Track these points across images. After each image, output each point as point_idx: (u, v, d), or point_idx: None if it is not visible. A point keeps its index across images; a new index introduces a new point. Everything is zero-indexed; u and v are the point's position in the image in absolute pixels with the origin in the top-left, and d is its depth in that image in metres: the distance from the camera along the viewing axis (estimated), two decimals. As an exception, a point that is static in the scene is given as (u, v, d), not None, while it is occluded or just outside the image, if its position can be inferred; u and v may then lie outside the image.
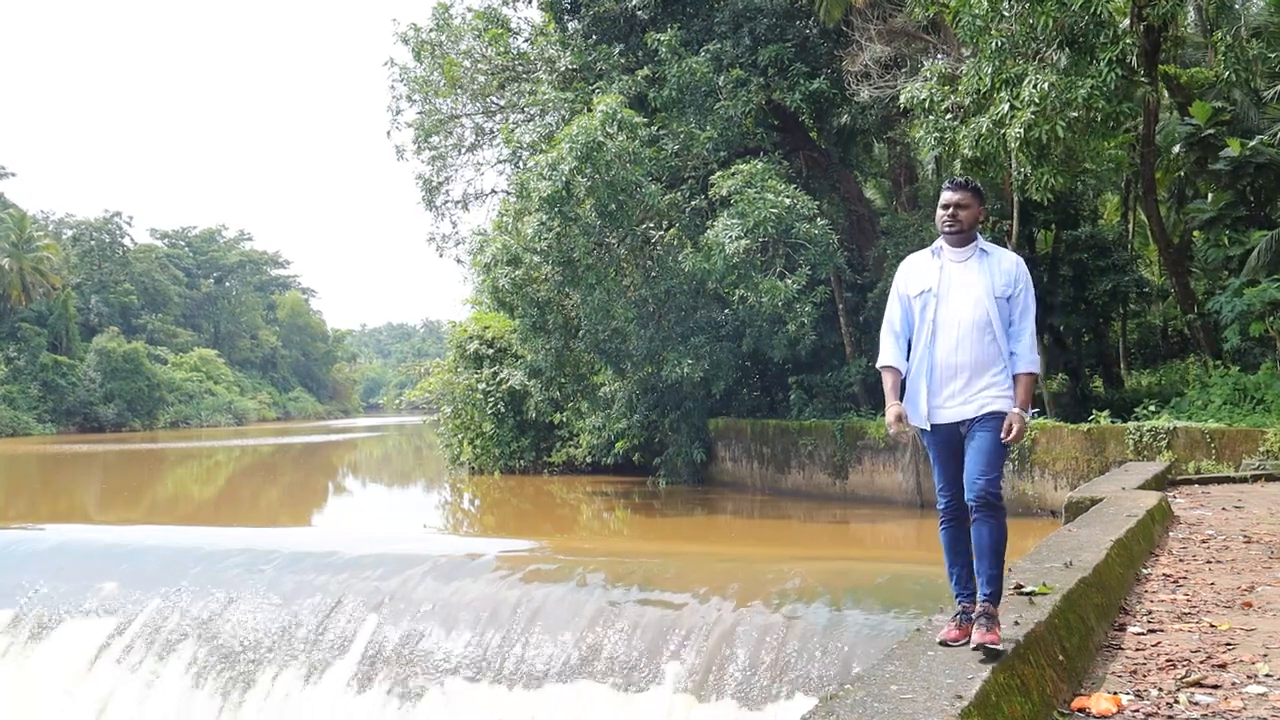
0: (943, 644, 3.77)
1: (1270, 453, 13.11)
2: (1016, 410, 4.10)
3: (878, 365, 4.32)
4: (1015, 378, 4.16)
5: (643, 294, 20.03)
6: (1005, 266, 4.18)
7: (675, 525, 17.61)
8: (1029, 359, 4.18)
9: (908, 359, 4.26)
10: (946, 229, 4.18)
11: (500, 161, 26.06)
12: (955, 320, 4.13)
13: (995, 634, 3.68)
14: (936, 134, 15.45)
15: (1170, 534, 6.29)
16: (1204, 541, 5.99)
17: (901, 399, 4.23)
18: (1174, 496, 8.09)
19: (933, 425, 4.16)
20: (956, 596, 4.06)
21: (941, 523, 4.19)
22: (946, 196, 4.20)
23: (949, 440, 4.15)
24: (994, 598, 3.87)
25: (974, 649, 3.64)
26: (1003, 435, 4.05)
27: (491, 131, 25.72)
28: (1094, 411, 16.23)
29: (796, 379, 21.01)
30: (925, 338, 4.16)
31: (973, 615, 3.86)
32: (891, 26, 18.96)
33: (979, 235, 4.27)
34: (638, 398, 21.81)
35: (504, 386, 24.75)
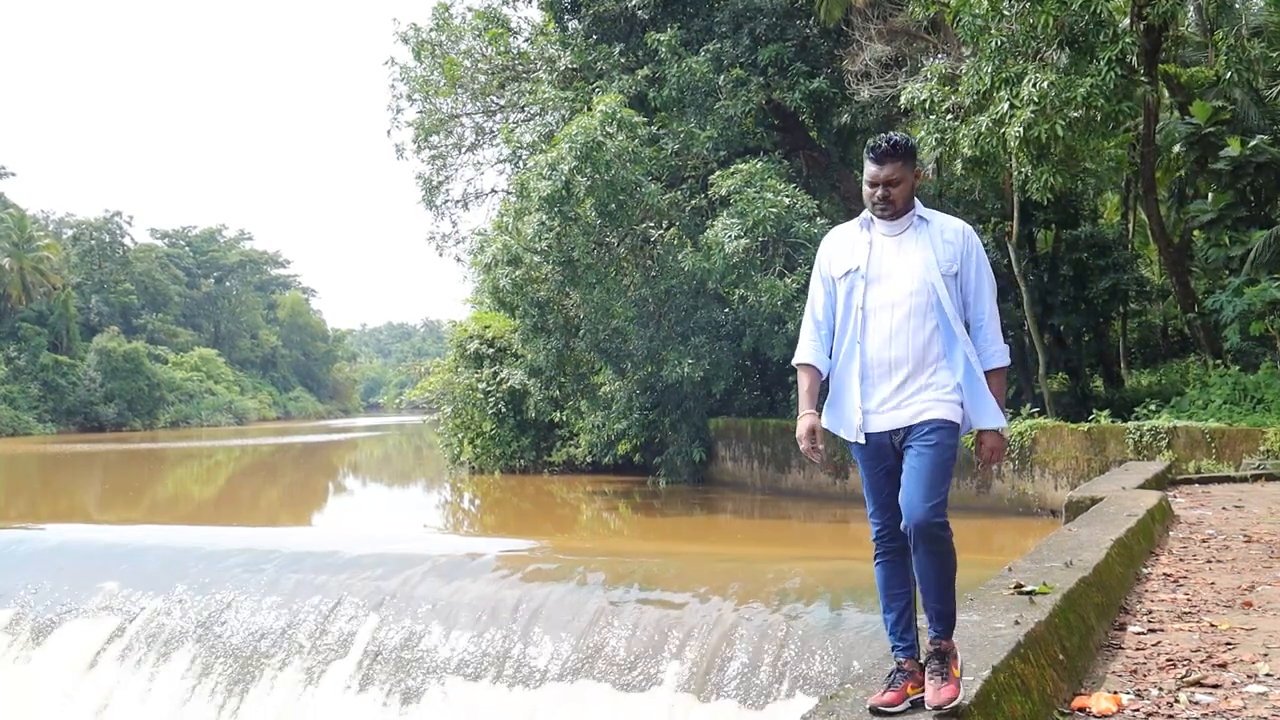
0: (874, 711, 3.16)
1: (1270, 452, 13.11)
2: (996, 429, 3.51)
3: (793, 362, 3.66)
4: (985, 375, 3.53)
5: (643, 294, 20.04)
6: (948, 236, 3.49)
7: (675, 525, 17.61)
8: (995, 350, 3.55)
9: (831, 355, 3.59)
10: (880, 211, 3.47)
11: (500, 161, 26.08)
12: (889, 305, 3.43)
13: (953, 686, 3.14)
14: (937, 134, 15.45)
15: (1170, 533, 6.29)
16: (1204, 541, 5.99)
17: (822, 406, 3.56)
18: (1174, 496, 8.09)
19: (867, 435, 3.45)
20: (894, 649, 3.42)
21: (876, 555, 3.47)
22: (872, 171, 3.46)
23: (881, 454, 3.45)
24: (946, 632, 3.31)
25: (931, 711, 3.10)
26: (981, 456, 3.49)
27: (491, 131, 25.73)
28: (1094, 411, 16.23)
29: (796, 378, 20.99)
30: (853, 328, 3.46)
31: (914, 667, 3.32)
32: (891, 26, 18.96)
33: (917, 201, 3.58)
34: (638, 397, 21.81)
35: (504, 386, 24.75)
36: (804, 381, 3.63)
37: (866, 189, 3.49)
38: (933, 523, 3.29)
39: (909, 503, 3.33)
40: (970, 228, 3.58)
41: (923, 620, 3.38)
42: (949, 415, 3.42)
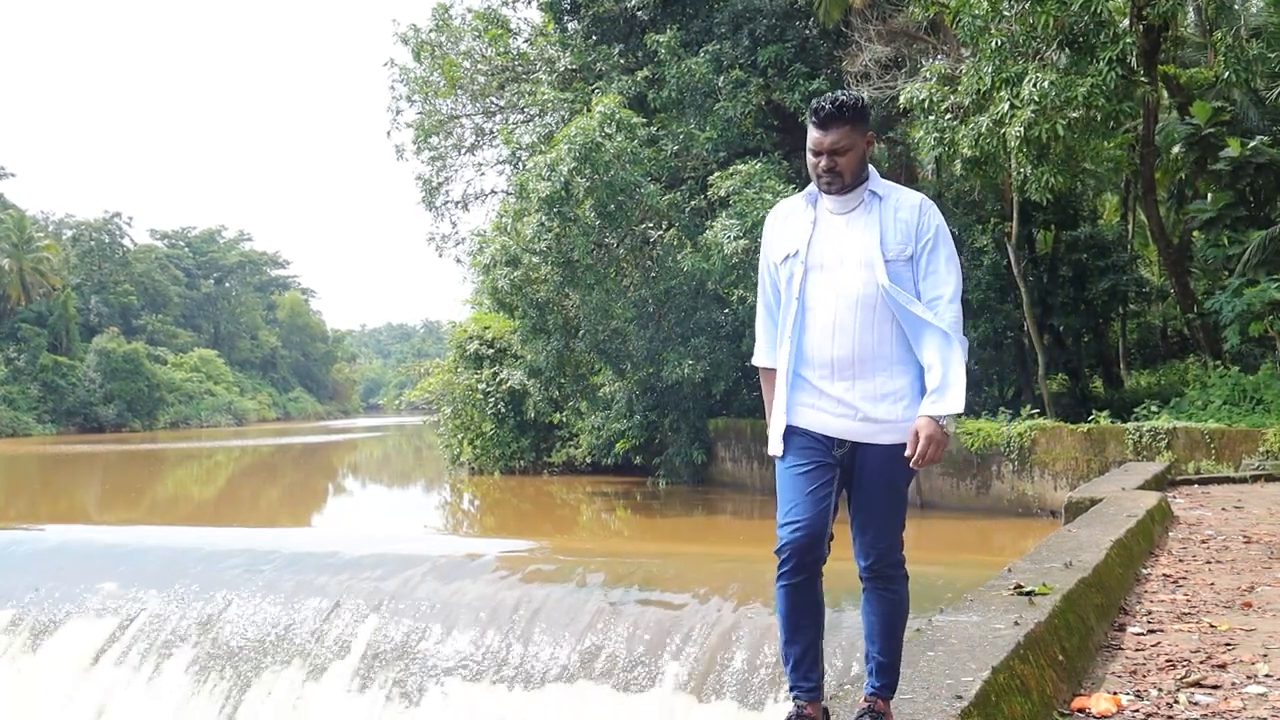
0: None
1: (1270, 453, 13.11)
2: (928, 416, 2.84)
3: (753, 363, 3.23)
4: (937, 362, 2.96)
5: (642, 294, 20.04)
6: (903, 215, 2.97)
7: (675, 525, 17.61)
8: (960, 333, 3.00)
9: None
10: (826, 186, 2.97)
11: (500, 162, 26.10)
12: (833, 296, 2.92)
13: None
14: (936, 134, 15.46)
15: (1170, 534, 6.29)
16: (1204, 542, 5.99)
17: None
18: (1174, 497, 8.09)
19: (790, 427, 2.96)
20: (793, 691, 2.94)
21: (781, 577, 2.90)
22: (815, 137, 2.95)
23: (814, 449, 2.94)
24: (887, 690, 2.91)
25: None
26: (910, 454, 2.86)
27: (491, 132, 25.74)
28: (1094, 411, 16.23)
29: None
30: (792, 323, 2.97)
31: (818, 713, 2.91)
32: (891, 27, 18.98)
33: (872, 172, 3.05)
34: (637, 398, 21.82)
35: (504, 386, 24.76)
36: (768, 390, 3.11)
37: (810, 159, 2.98)
38: (890, 563, 2.92)
39: (866, 541, 2.92)
40: (929, 201, 3.09)
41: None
42: (901, 438, 2.91)
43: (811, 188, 3.07)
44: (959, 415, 2.99)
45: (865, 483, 2.95)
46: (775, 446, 3.03)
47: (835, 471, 2.93)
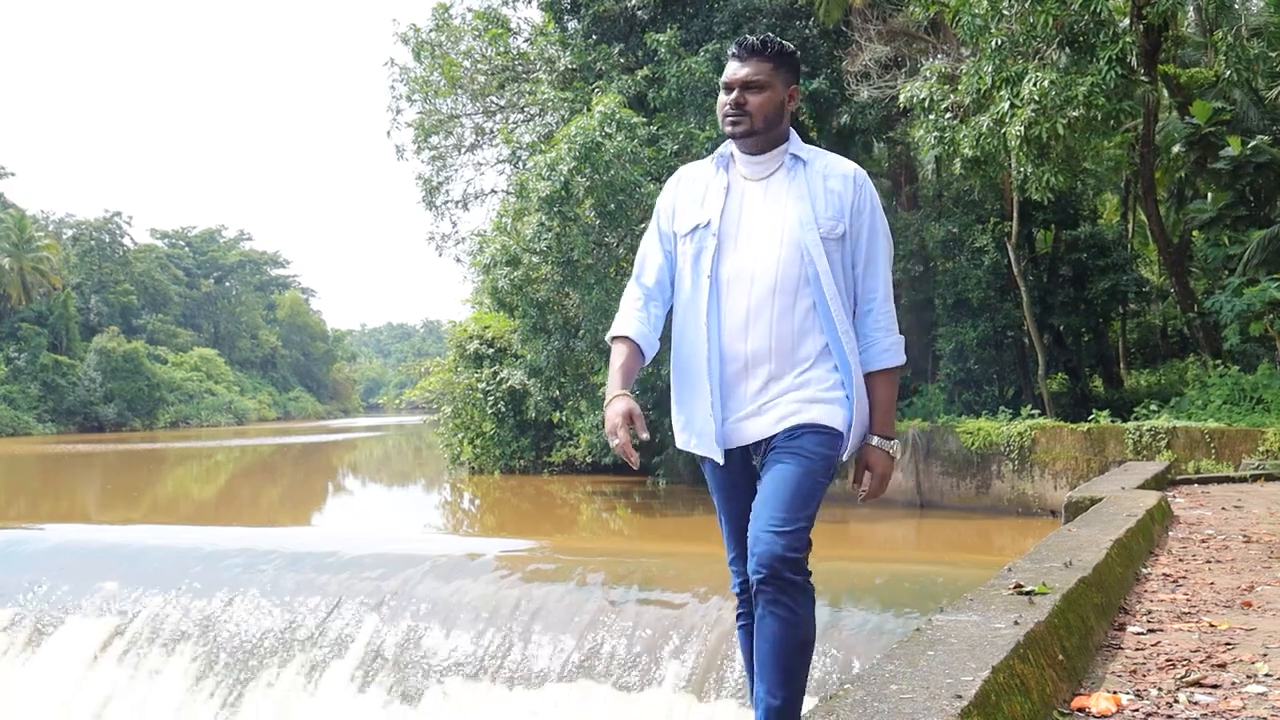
0: None
1: (1270, 452, 13.12)
2: (878, 442, 2.56)
3: (608, 336, 2.77)
4: (870, 378, 2.58)
5: (642, 294, 20.04)
6: (834, 184, 2.57)
7: (675, 525, 17.62)
8: (887, 344, 2.60)
9: (657, 330, 2.70)
10: (731, 126, 2.56)
11: (500, 161, 26.09)
12: (747, 277, 2.50)
13: None
14: (936, 133, 15.46)
15: (1170, 533, 6.29)
16: (1204, 541, 5.99)
17: (628, 384, 2.67)
18: (1174, 496, 8.10)
19: (725, 452, 2.57)
20: None
21: (740, 613, 2.66)
22: (731, 70, 2.58)
23: (742, 474, 2.60)
24: None
25: None
26: (860, 486, 2.60)
27: (491, 131, 25.74)
28: (1093, 411, 16.24)
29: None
30: (703, 307, 2.53)
31: None
32: (891, 27, 18.98)
33: (794, 136, 2.64)
34: (638, 398, 21.82)
35: (504, 386, 24.76)
36: (616, 358, 2.68)
37: (722, 97, 2.58)
38: (785, 558, 2.38)
39: (756, 530, 2.43)
40: (864, 172, 2.69)
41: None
42: (826, 419, 2.51)
43: (722, 149, 2.67)
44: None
45: (771, 464, 2.52)
46: (699, 447, 2.61)
47: (757, 480, 2.57)
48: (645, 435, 2.59)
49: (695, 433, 2.64)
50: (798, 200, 2.56)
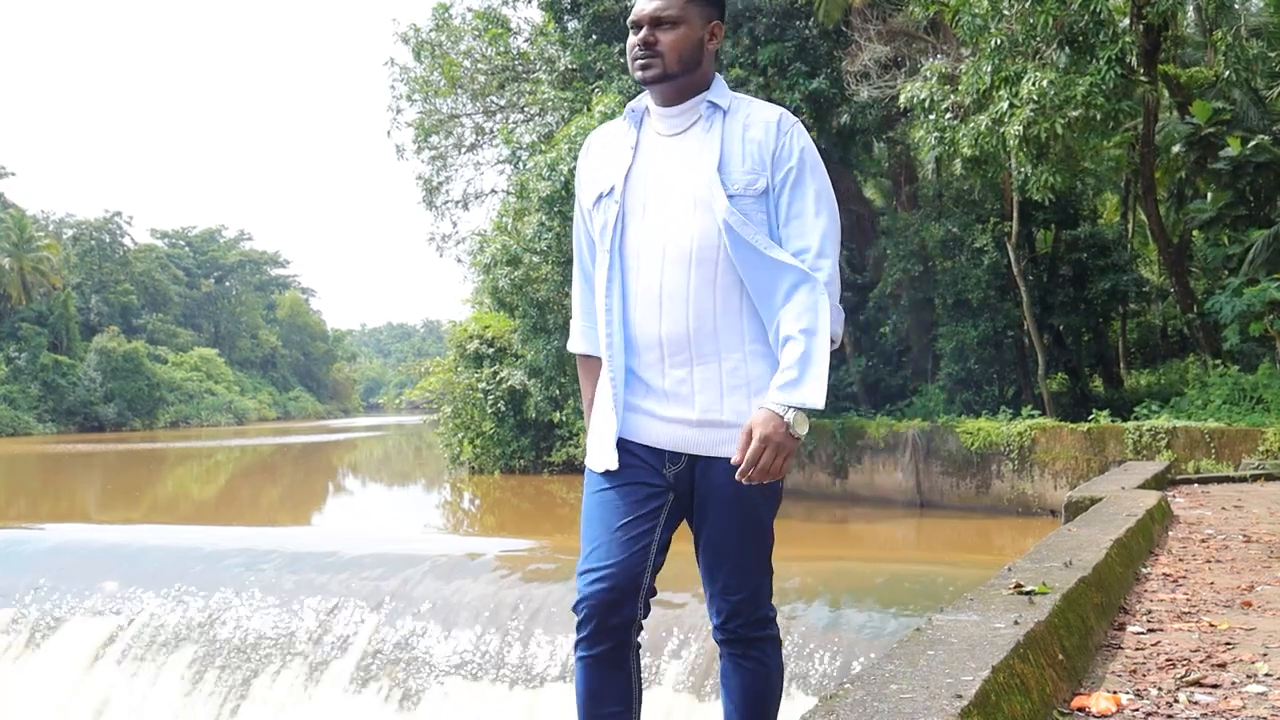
0: None
1: (1270, 452, 13.12)
2: (769, 408, 2.03)
3: (569, 348, 2.45)
4: (797, 334, 2.09)
5: (642, 294, 20.06)
6: (755, 134, 2.18)
7: (675, 525, 17.60)
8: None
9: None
10: (640, 70, 2.24)
11: (500, 161, 26.12)
12: (658, 247, 2.13)
13: None
14: (936, 134, 15.47)
15: (1170, 533, 6.29)
16: (1203, 541, 5.99)
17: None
18: (1174, 496, 8.10)
19: (621, 441, 2.18)
20: None
21: (578, 642, 2.13)
22: (639, 5, 2.25)
23: (632, 470, 2.18)
24: None
25: None
26: (736, 461, 2.04)
27: (491, 131, 25.75)
28: (1093, 411, 16.25)
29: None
30: (607, 287, 2.18)
31: None
32: (891, 27, 18.98)
33: (719, 80, 2.27)
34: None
35: (504, 386, 24.77)
36: (586, 385, 2.38)
37: (631, 38, 2.25)
38: (754, 620, 2.17)
39: (716, 591, 2.17)
40: (792, 117, 2.25)
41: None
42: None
43: (635, 102, 2.33)
44: (812, 414, 2.12)
45: (711, 512, 2.15)
46: (597, 459, 2.23)
47: (665, 498, 2.16)
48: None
49: (595, 438, 2.23)
50: (711, 154, 2.16)
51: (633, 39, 2.24)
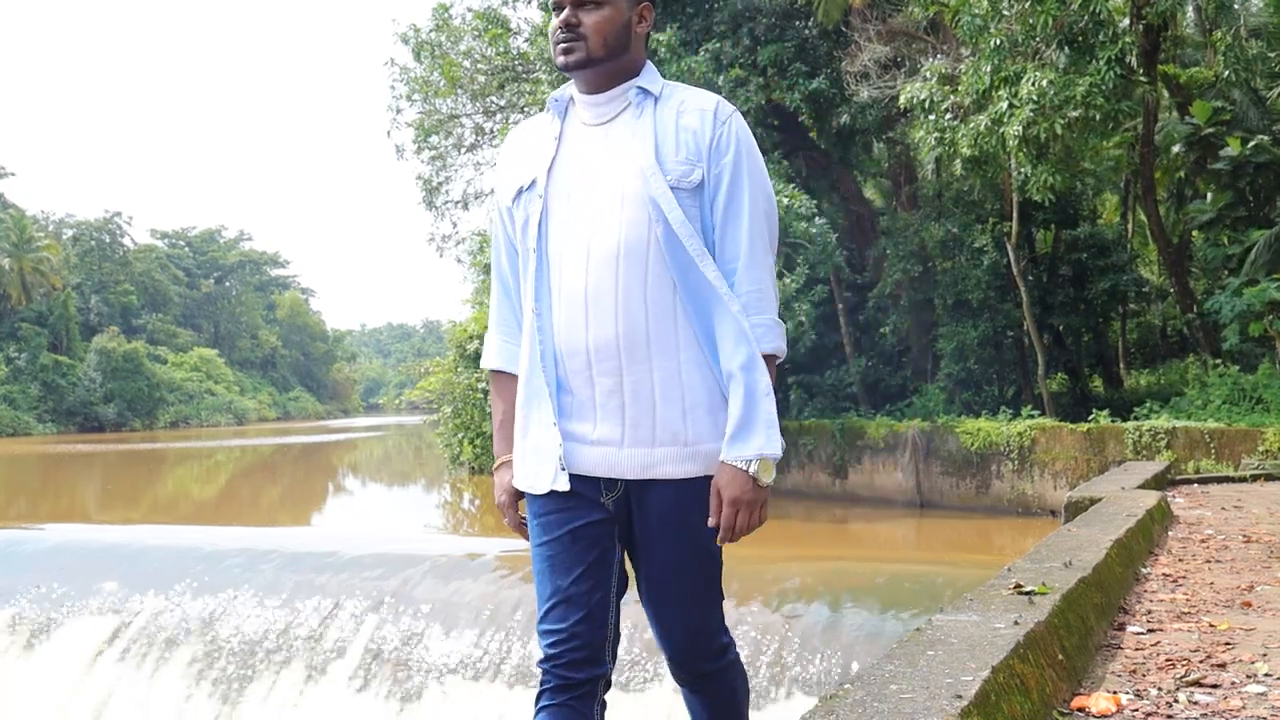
0: None
1: (1270, 452, 13.12)
2: (732, 464, 1.92)
3: (481, 365, 2.27)
4: (737, 372, 1.95)
5: (642, 294, 20.06)
6: (689, 122, 2.03)
7: (675, 525, 17.60)
8: (757, 323, 1.98)
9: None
10: (562, 54, 2.03)
11: (500, 161, 26.10)
12: (583, 246, 1.96)
13: None
14: (936, 134, 15.47)
15: (1169, 533, 6.29)
16: (1203, 541, 5.99)
17: (511, 450, 2.08)
18: (1173, 496, 8.10)
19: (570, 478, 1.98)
20: None
21: (540, 693, 1.97)
22: None
23: (578, 509, 1.98)
24: None
25: None
26: (713, 521, 1.94)
27: (491, 131, 25.74)
28: (1094, 411, 16.25)
29: (796, 378, 21.03)
30: (536, 289, 2.00)
31: None
32: (891, 27, 18.99)
33: (650, 67, 2.10)
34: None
35: (504, 386, 24.72)
36: (496, 407, 2.13)
37: (554, 20, 2.07)
38: (706, 655, 2.01)
39: (664, 628, 2.00)
40: (730, 106, 2.14)
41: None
42: (701, 471, 1.96)
43: (559, 91, 2.13)
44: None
45: (652, 543, 1.97)
46: (535, 479, 2.01)
47: (611, 536, 1.98)
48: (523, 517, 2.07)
49: (527, 459, 2.02)
50: (642, 143, 1.99)
51: (554, 20, 2.06)
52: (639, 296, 1.94)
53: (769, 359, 1.99)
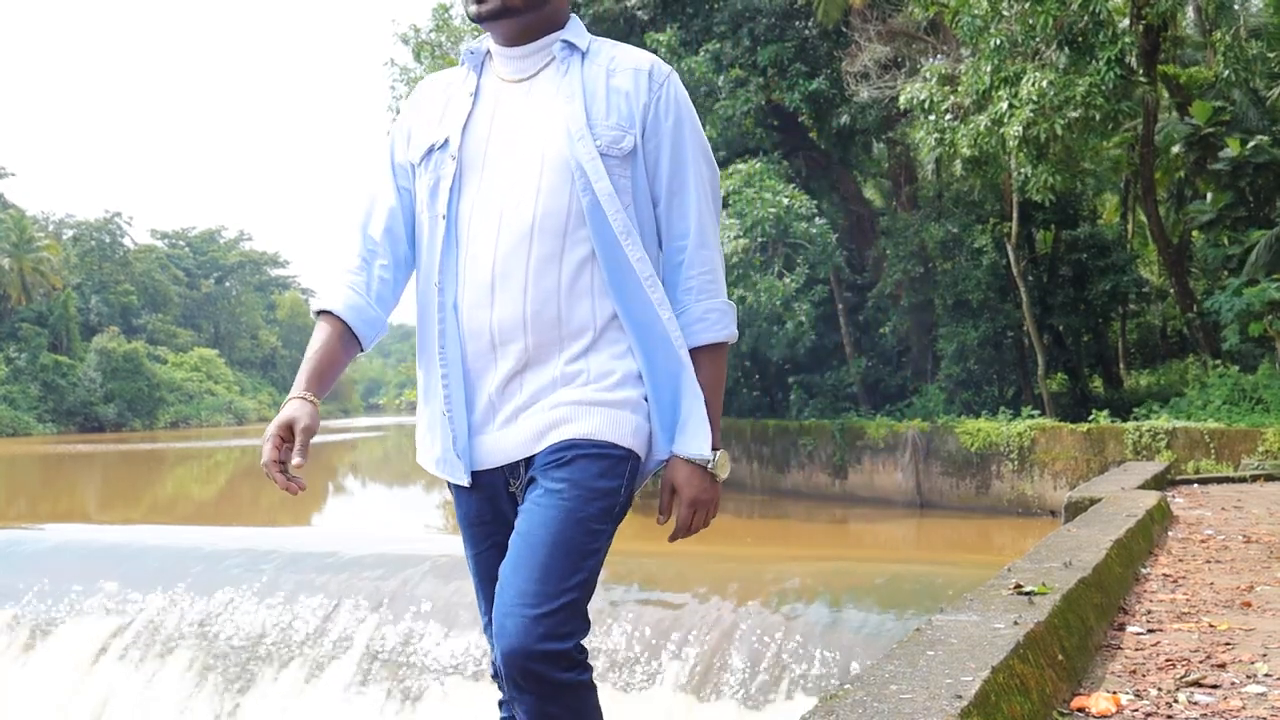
0: None
1: (1269, 452, 13.12)
2: (688, 454, 1.79)
3: (313, 306, 1.92)
4: (692, 357, 1.80)
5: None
6: (620, 81, 1.82)
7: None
8: (703, 313, 1.84)
9: (385, 301, 1.92)
10: (475, 2, 1.85)
11: (500, 161, 26.12)
12: (494, 216, 1.76)
13: None
14: (936, 134, 15.48)
15: (1169, 534, 6.30)
16: (1203, 541, 5.99)
17: (321, 383, 1.83)
18: (1173, 496, 8.10)
19: (473, 474, 1.82)
20: None
21: (501, 703, 1.89)
22: None
23: (495, 509, 1.84)
24: None
25: None
26: (664, 508, 1.85)
27: (491, 131, 25.75)
28: (1094, 411, 16.25)
29: (796, 379, 21.03)
30: (438, 263, 1.80)
31: None
32: (890, 27, 18.99)
33: (573, 20, 1.90)
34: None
35: (504, 386, 24.75)
36: (314, 341, 1.85)
37: None
38: (545, 652, 1.60)
39: (501, 610, 1.65)
40: (666, 67, 1.88)
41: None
42: (608, 431, 1.74)
43: (475, 43, 1.94)
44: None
45: (529, 509, 1.72)
46: (442, 467, 1.87)
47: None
48: (299, 460, 1.71)
49: (433, 444, 1.87)
50: (567, 102, 1.78)
51: None
52: (552, 272, 1.74)
53: (720, 346, 1.86)
